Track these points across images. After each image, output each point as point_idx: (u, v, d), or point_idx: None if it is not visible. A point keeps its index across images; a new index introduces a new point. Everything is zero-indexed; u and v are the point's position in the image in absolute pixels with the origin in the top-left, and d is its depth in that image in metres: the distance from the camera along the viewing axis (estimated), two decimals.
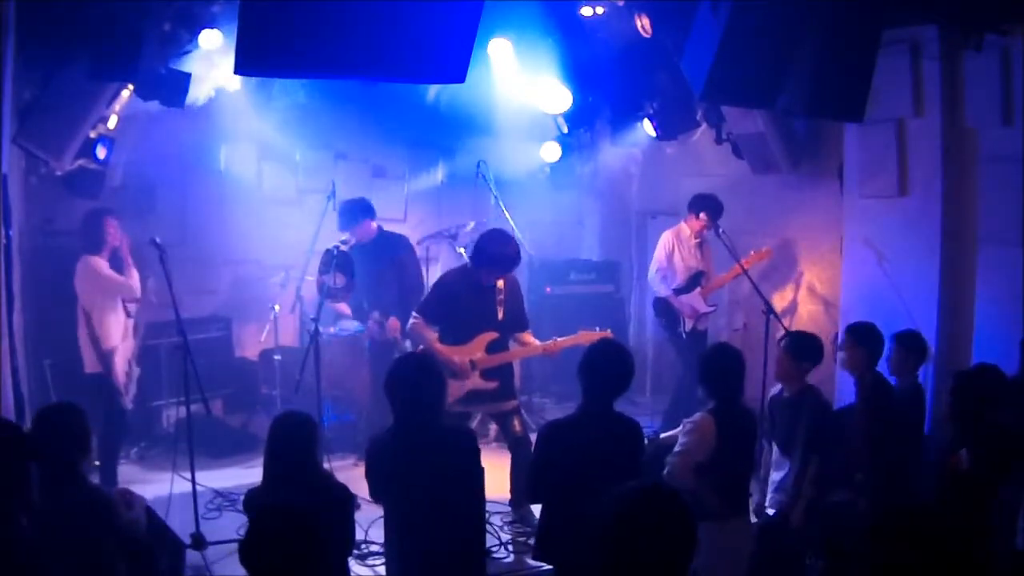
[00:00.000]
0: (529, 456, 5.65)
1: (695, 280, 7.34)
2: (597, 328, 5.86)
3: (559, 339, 5.77)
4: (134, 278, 6.13)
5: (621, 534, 2.42)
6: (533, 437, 6.90)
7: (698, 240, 7.37)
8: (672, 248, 7.39)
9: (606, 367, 4.07)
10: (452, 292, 5.67)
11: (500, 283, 5.68)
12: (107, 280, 6.00)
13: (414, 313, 5.83)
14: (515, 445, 5.70)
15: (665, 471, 4.17)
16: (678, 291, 7.32)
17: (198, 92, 6.55)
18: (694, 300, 7.30)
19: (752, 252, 7.12)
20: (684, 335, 7.32)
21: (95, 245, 6.01)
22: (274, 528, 2.64)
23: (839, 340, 5.35)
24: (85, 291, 5.98)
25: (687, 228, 7.38)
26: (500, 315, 5.66)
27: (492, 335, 5.61)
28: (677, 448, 4.19)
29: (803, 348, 4.74)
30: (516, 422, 5.70)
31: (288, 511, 2.70)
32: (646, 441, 4.46)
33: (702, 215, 7.23)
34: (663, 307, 7.40)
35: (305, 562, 2.61)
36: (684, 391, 7.28)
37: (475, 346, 5.56)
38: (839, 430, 4.83)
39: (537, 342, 5.80)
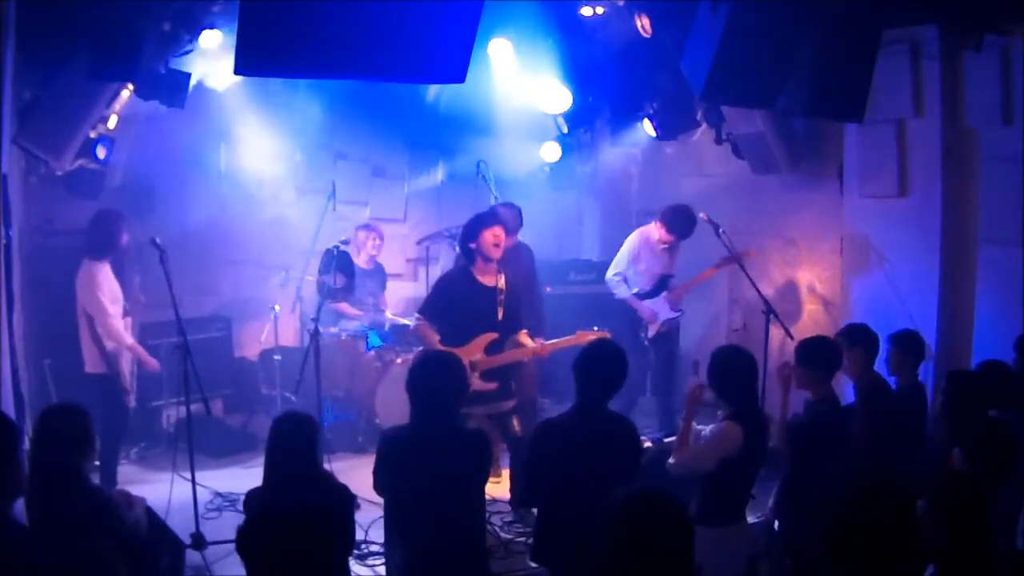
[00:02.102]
0: None
1: (661, 284, 7.26)
2: (595, 328, 5.88)
3: (556, 340, 5.80)
4: (124, 327, 6.04)
5: (618, 539, 2.45)
6: None
7: (665, 245, 7.28)
8: (638, 252, 7.25)
9: (601, 367, 4.05)
10: (452, 292, 5.68)
11: (501, 283, 5.69)
12: (97, 302, 5.86)
13: (416, 314, 5.85)
14: (515, 446, 5.70)
15: (672, 461, 4.13)
16: (642, 295, 7.23)
17: (197, 92, 6.55)
18: (658, 305, 7.22)
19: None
20: (647, 341, 7.23)
21: (102, 249, 5.94)
22: (283, 524, 2.62)
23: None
24: (84, 296, 5.94)
25: (655, 232, 7.27)
26: (500, 315, 5.65)
27: (491, 336, 5.60)
28: (695, 444, 4.12)
29: (814, 355, 4.56)
30: (515, 422, 5.71)
31: (299, 508, 2.69)
32: (649, 444, 4.45)
33: (669, 233, 7.12)
34: (627, 312, 7.25)
35: (312, 560, 2.59)
36: (663, 392, 7.29)
37: (474, 347, 5.56)
38: (835, 435, 4.74)
39: (531, 343, 5.79)
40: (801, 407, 4.74)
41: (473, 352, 5.54)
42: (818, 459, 4.40)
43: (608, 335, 5.67)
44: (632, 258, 7.26)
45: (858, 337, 5.11)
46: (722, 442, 4.05)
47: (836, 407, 4.63)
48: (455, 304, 5.62)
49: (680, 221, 7.16)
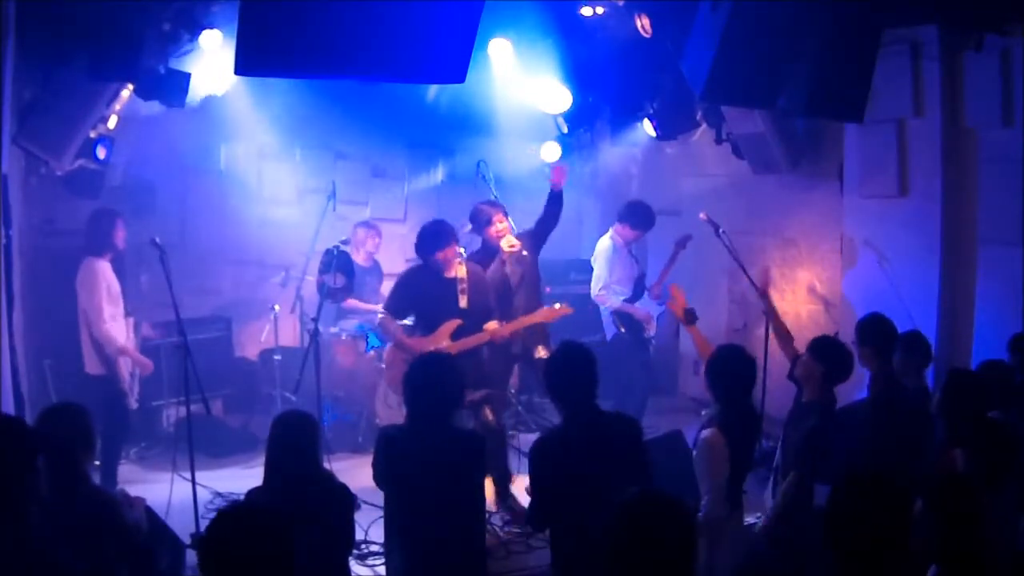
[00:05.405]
0: (501, 444, 5.86)
1: (640, 285, 7.33)
2: (557, 304, 6.02)
3: (520, 319, 5.97)
4: (122, 329, 6.04)
5: (620, 540, 2.45)
6: (523, 436, 6.98)
7: (631, 246, 7.33)
8: (613, 262, 7.19)
9: (574, 370, 3.85)
10: (413, 285, 5.83)
11: (462, 273, 5.78)
12: (94, 302, 5.86)
13: (380, 309, 6.03)
14: (489, 435, 5.58)
15: (702, 514, 4.00)
16: (630, 300, 7.24)
17: (197, 92, 6.55)
18: (647, 305, 7.33)
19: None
20: (651, 339, 7.37)
21: (100, 247, 5.96)
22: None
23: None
24: (83, 295, 5.92)
25: (620, 236, 7.24)
26: (463, 303, 5.75)
27: (456, 322, 5.71)
28: (707, 483, 4.06)
29: (825, 351, 4.52)
30: (487, 411, 5.75)
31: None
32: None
33: (635, 230, 7.19)
34: (626, 318, 7.16)
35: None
36: (642, 391, 7.17)
37: (440, 335, 5.68)
38: (835, 440, 4.67)
39: (496, 326, 5.80)
40: (792, 403, 4.73)
41: (439, 339, 5.66)
42: (817, 470, 4.38)
43: (570, 310, 5.93)
44: (610, 269, 7.22)
45: (868, 335, 4.91)
46: (714, 453, 4.05)
47: (827, 414, 4.50)
48: (416, 297, 5.80)
49: (644, 214, 7.24)
